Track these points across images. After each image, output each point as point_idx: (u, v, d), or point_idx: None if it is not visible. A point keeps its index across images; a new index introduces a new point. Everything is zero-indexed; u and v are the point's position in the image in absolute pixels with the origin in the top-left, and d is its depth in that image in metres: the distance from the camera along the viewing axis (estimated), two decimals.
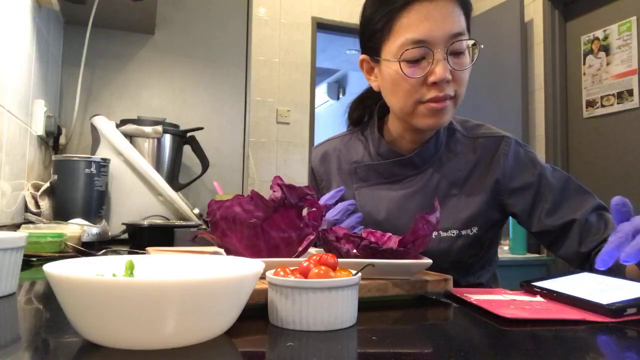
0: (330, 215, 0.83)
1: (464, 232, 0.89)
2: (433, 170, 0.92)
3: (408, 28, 0.79)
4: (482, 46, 0.84)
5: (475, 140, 0.93)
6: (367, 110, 1.03)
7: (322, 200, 0.85)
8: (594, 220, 0.83)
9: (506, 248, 2.82)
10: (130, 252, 1.07)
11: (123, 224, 1.35)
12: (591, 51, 2.98)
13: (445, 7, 0.79)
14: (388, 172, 0.94)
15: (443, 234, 0.89)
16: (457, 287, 0.91)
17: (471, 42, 0.83)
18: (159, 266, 0.52)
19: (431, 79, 0.79)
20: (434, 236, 0.87)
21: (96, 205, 1.38)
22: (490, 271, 0.99)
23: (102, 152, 1.52)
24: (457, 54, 0.81)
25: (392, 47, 0.82)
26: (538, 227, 0.88)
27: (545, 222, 0.86)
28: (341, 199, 0.90)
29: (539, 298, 0.62)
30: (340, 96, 6.94)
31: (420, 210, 0.87)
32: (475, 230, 0.89)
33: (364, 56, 0.90)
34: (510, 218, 0.97)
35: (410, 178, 0.93)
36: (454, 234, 0.89)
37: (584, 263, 0.85)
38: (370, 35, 0.86)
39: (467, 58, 0.82)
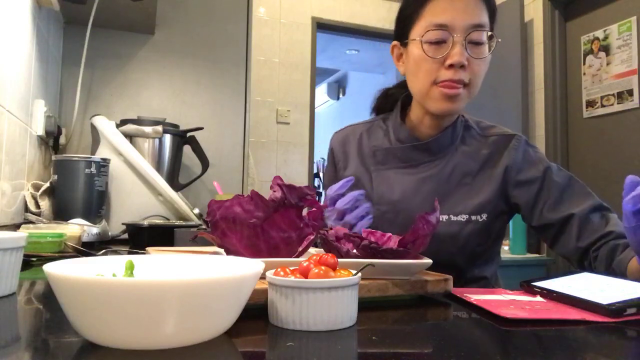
0: (341, 204, 0.85)
1: (473, 218, 0.92)
2: (448, 159, 0.96)
3: (434, 14, 0.88)
4: (500, 40, 0.90)
5: (488, 138, 0.98)
6: (390, 99, 1.09)
7: (332, 190, 0.87)
8: (595, 219, 0.86)
9: (506, 248, 2.82)
10: (130, 252, 1.07)
11: (123, 224, 1.35)
12: (591, 51, 2.97)
13: (469, 1, 0.87)
14: (405, 156, 0.98)
15: (454, 218, 0.92)
16: (461, 279, 0.92)
17: (489, 34, 0.88)
18: (159, 266, 0.52)
19: (448, 61, 0.86)
20: (444, 220, 0.92)
21: (96, 205, 1.38)
22: (493, 267, 1.01)
23: (102, 152, 1.52)
24: (476, 44, 0.87)
25: (418, 29, 0.90)
26: (538, 221, 0.91)
27: (545, 216, 0.89)
28: (352, 190, 0.91)
29: (539, 298, 0.62)
30: (340, 96, 6.94)
31: (434, 194, 0.93)
32: (484, 217, 0.93)
33: (395, 42, 0.97)
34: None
35: (426, 164, 0.97)
36: (464, 218, 0.92)
37: (583, 259, 0.86)
38: (402, 20, 0.95)
39: (486, 51, 0.89)
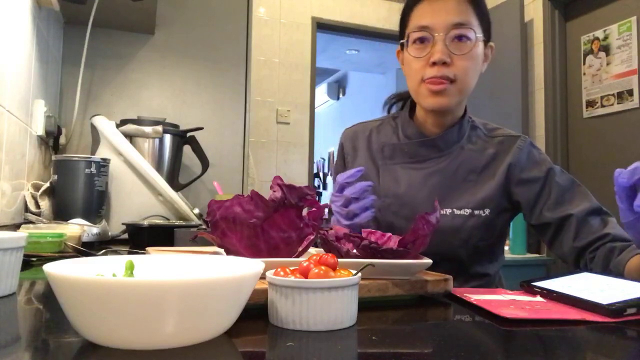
0: (349, 192, 0.87)
1: (476, 212, 0.94)
2: (454, 156, 0.99)
3: (418, 17, 0.94)
4: (479, 35, 0.93)
5: (494, 138, 1.01)
6: (399, 99, 1.15)
7: (342, 178, 0.89)
8: (593, 220, 0.87)
9: (506, 248, 2.82)
10: (130, 252, 1.07)
11: (123, 224, 1.35)
12: (591, 51, 2.97)
13: (449, 3, 0.92)
14: (412, 152, 1.01)
15: (457, 212, 0.94)
16: (464, 274, 0.93)
17: (473, 35, 0.91)
18: (159, 266, 0.52)
19: (431, 59, 0.91)
20: (448, 213, 0.94)
21: (96, 205, 1.38)
22: (496, 266, 1.02)
23: (102, 152, 1.52)
24: (458, 42, 0.91)
25: (407, 33, 0.96)
26: (538, 220, 0.93)
27: (545, 215, 0.91)
28: (361, 180, 0.94)
29: (539, 298, 0.62)
30: (340, 96, 6.94)
31: (438, 188, 0.96)
32: (487, 212, 0.94)
33: (398, 48, 1.02)
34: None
35: (433, 160, 0.99)
36: (467, 212, 0.94)
37: (579, 260, 0.87)
38: (400, 27, 1.00)
39: (469, 47, 0.91)
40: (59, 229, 1.06)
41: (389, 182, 1.01)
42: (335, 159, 1.20)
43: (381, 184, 1.01)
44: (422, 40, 0.93)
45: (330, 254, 0.52)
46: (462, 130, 1.00)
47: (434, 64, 0.90)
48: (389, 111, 1.16)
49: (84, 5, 1.55)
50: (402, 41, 0.98)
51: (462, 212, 0.94)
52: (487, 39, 0.97)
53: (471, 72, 0.93)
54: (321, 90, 6.81)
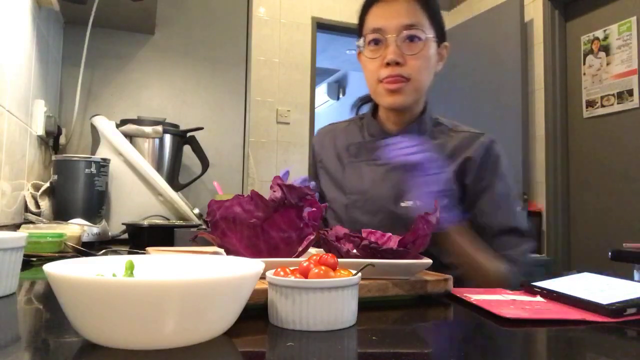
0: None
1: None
2: None
3: (371, 21, 0.98)
4: (430, 36, 0.96)
5: (459, 133, 1.04)
6: (365, 101, 1.18)
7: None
8: (505, 238, 0.94)
9: None
10: (130, 252, 1.07)
11: (123, 224, 1.35)
12: (591, 51, 2.97)
13: (401, 5, 0.96)
14: (375, 149, 1.03)
15: (419, 203, 0.97)
16: (436, 265, 0.94)
17: (424, 35, 0.95)
18: (159, 266, 0.52)
19: (385, 60, 0.96)
20: (410, 205, 0.96)
21: (96, 205, 1.38)
22: None
23: (102, 152, 1.52)
24: (410, 42, 0.95)
25: (363, 35, 1.01)
26: (467, 211, 0.96)
27: (472, 215, 0.96)
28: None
29: (539, 298, 0.62)
30: (340, 96, 6.93)
31: (400, 182, 0.98)
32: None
33: (358, 50, 1.04)
34: None
35: None
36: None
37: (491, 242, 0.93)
38: (358, 29, 1.04)
39: (420, 47, 0.95)
40: (59, 229, 1.06)
41: (354, 179, 1.05)
42: None
43: (346, 182, 1.05)
44: (376, 42, 0.97)
45: (330, 254, 0.52)
46: (422, 127, 1.03)
47: (388, 64, 0.95)
48: (357, 113, 1.19)
49: (84, 5, 1.55)
50: (357, 43, 1.01)
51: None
52: (441, 39, 1.00)
53: (424, 70, 0.97)
54: (321, 90, 6.81)
